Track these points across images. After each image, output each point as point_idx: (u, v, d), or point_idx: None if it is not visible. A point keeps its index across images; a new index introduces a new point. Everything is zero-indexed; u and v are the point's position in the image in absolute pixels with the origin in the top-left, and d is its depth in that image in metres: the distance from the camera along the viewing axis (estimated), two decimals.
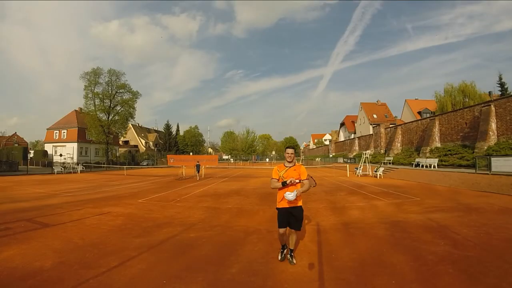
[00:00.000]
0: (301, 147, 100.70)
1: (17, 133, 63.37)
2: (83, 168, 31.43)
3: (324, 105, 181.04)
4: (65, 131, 45.37)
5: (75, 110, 47.97)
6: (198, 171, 19.73)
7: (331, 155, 50.88)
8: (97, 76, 40.68)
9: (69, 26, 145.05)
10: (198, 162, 20.48)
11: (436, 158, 20.31)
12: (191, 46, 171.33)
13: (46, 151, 45.35)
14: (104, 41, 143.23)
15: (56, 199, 9.71)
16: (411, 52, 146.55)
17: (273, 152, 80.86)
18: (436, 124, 23.33)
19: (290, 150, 3.55)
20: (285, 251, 3.74)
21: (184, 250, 4.19)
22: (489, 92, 34.38)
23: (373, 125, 41.29)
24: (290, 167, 3.53)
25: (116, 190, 12.47)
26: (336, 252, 4.02)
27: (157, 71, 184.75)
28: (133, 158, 51.61)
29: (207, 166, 25.16)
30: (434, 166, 18.88)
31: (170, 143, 65.92)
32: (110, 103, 41.97)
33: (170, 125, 67.60)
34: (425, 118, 26.51)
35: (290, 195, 3.26)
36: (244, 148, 79.95)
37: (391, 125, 34.95)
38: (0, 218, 6.36)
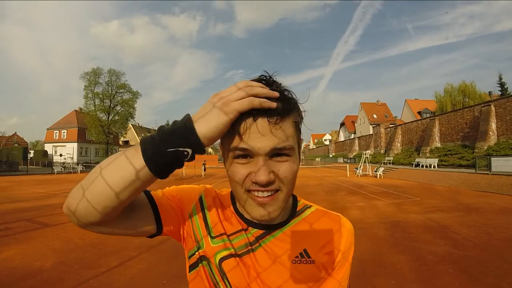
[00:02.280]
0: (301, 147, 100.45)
1: (17, 133, 63.35)
2: (83, 168, 31.42)
3: (324, 105, 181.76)
4: (65, 131, 45.32)
5: (75, 110, 47.87)
6: (204, 169, 23.35)
7: (331, 155, 50.89)
8: (97, 76, 40.66)
9: (69, 26, 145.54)
10: (204, 161, 24.64)
11: (436, 158, 20.32)
12: (191, 46, 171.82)
13: (46, 151, 45.29)
14: (104, 41, 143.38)
15: (56, 199, 9.71)
16: (411, 52, 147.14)
17: None
18: (436, 124, 23.34)
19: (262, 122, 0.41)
20: None
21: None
22: (489, 92, 34.39)
23: (373, 125, 41.27)
24: (273, 231, 0.49)
25: None
26: None
27: (157, 71, 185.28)
28: None
29: (207, 166, 27.16)
30: (434, 166, 18.88)
31: None
32: (110, 103, 41.94)
33: None
34: (425, 118, 26.53)
35: None
36: None
37: (391, 125, 34.95)
38: (0, 218, 6.35)
